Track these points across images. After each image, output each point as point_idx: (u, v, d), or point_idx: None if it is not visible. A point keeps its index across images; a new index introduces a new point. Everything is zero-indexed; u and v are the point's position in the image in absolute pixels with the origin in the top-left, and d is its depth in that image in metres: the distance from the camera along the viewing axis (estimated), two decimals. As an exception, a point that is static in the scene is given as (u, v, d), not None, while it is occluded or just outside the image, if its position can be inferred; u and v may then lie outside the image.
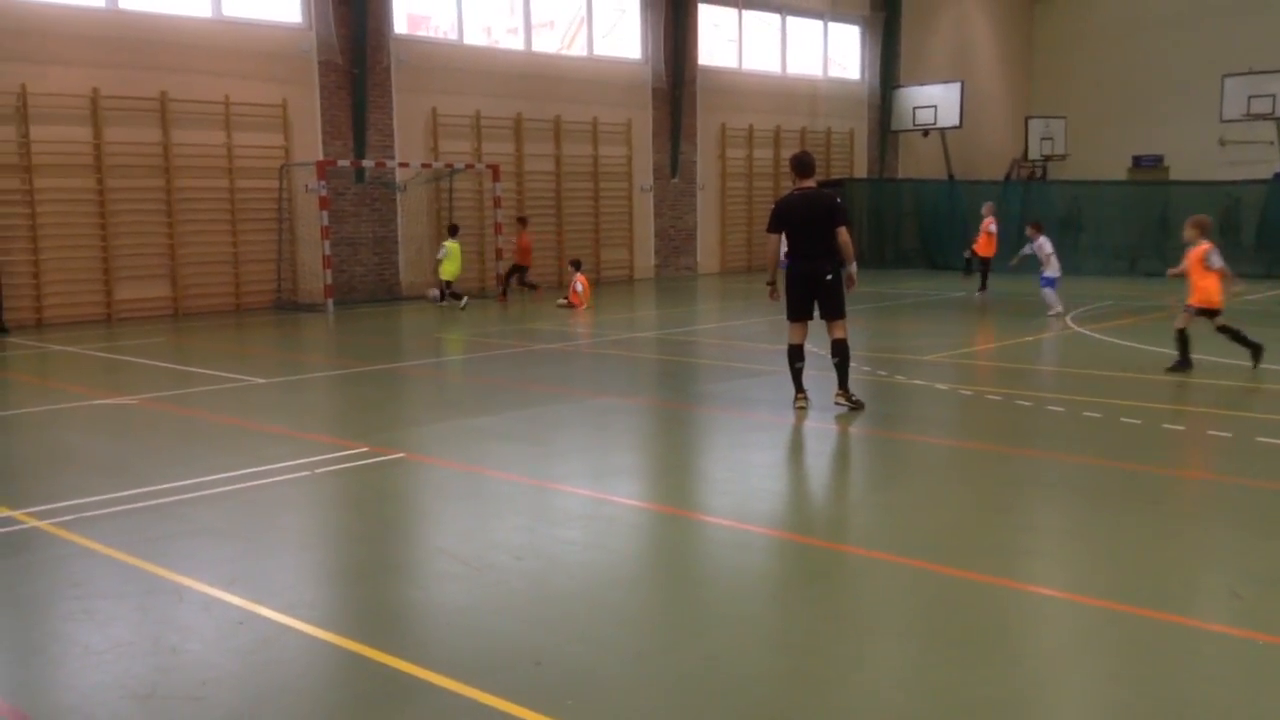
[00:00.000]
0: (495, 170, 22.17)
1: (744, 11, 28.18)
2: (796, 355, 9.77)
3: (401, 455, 8.14)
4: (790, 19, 29.20)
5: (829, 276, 9.54)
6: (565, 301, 19.56)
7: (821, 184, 10.24)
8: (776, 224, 9.70)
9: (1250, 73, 26.46)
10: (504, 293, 21.03)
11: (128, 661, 4.52)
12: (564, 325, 17.14)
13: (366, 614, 5.13)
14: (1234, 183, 25.91)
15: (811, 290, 9.61)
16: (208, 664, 4.49)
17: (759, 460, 8.24)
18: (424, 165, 21.81)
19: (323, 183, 19.53)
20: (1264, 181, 25.70)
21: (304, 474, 7.63)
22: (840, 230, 9.45)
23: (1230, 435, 8.44)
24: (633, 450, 8.88)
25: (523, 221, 21.46)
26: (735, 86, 27.90)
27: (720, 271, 28.07)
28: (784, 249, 9.70)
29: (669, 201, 26.95)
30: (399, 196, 22.04)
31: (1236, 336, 11.35)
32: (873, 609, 5.22)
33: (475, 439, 9.00)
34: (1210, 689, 4.25)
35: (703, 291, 22.96)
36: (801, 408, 9.70)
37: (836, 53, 30.70)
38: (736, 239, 28.54)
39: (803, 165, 9.75)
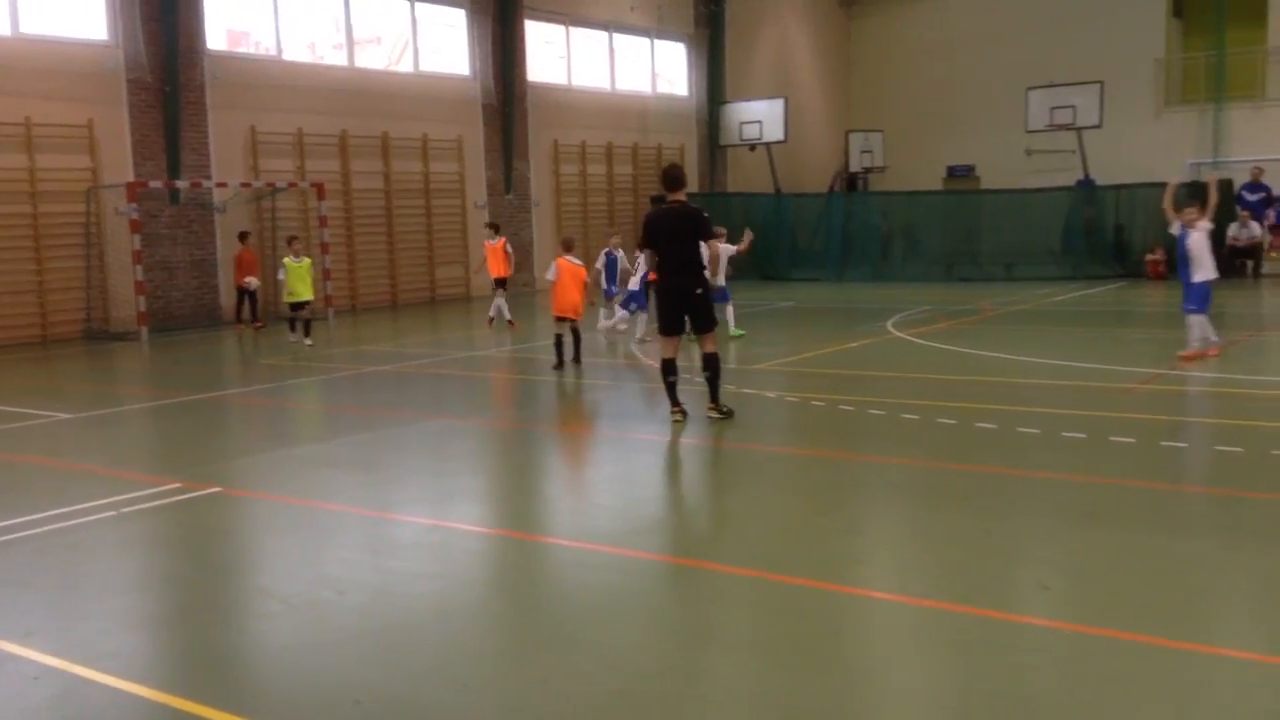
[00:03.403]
0: (320, 188, 21.56)
1: (571, 28, 28.27)
2: (669, 370, 9.69)
3: (218, 490, 7.76)
4: (617, 36, 29.44)
5: (698, 291, 9.54)
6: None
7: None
8: (645, 239, 9.71)
9: (1051, 85, 27.93)
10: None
11: (-97, 731, 4.15)
12: (399, 346, 16.77)
13: (177, 662, 4.86)
14: (1039, 190, 27.35)
15: (681, 306, 9.61)
16: (-5, 728, 4.16)
17: (594, 476, 8.22)
18: (244, 184, 21.02)
19: (134, 205, 18.61)
20: (1067, 189, 27.24)
21: (110, 514, 7.19)
22: (710, 244, 9.42)
23: (1038, 431, 8.86)
24: (468, 473, 8.72)
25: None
26: (566, 103, 27.93)
27: (557, 287, 27.98)
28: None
29: (504, 218, 26.62)
30: (218, 217, 21.18)
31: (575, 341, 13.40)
32: (707, 621, 5.24)
33: (300, 468, 8.68)
34: (1028, 680, 4.40)
35: (542, 306, 22.81)
36: (678, 421, 9.60)
37: (664, 69, 31.10)
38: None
39: (669, 179, 9.68)
